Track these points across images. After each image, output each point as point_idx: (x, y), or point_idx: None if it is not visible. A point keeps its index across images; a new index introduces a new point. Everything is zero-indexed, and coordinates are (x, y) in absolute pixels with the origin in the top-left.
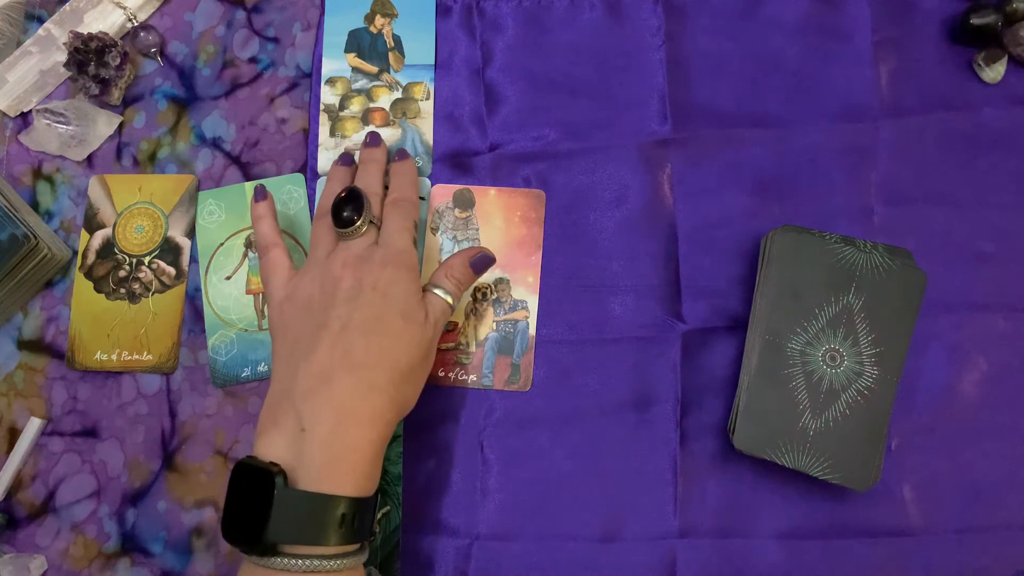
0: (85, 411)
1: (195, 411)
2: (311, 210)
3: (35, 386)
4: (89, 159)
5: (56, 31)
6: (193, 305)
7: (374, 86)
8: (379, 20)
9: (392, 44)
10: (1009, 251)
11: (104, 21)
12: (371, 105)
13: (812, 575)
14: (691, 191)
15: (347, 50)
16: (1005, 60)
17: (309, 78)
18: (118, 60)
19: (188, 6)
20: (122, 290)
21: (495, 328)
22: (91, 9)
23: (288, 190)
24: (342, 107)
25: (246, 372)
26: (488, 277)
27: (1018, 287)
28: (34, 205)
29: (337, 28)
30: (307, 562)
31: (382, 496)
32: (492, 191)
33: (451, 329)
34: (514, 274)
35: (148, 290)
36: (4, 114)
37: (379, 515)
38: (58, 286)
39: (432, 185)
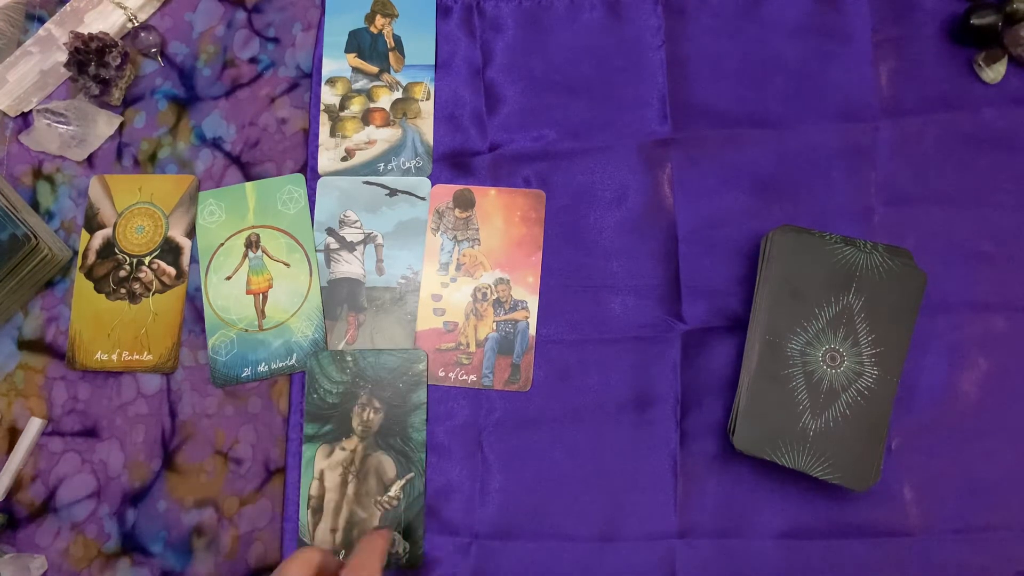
0: (85, 411)
1: (195, 411)
2: (311, 210)
3: (35, 386)
4: (89, 159)
5: (56, 31)
6: (193, 305)
7: (374, 86)
8: (379, 20)
9: (392, 44)
10: (1009, 251)
11: (104, 21)
12: (371, 105)
13: (812, 575)
14: (691, 191)
15: (347, 50)
16: (1005, 60)
17: (309, 78)
18: (118, 60)
19: (188, 6)
20: (122, 290)
21: (495, 328)
22: (91, 9)
23: (288, 190)
24: (342, 107)
25: (246, 372)
26: (488, 277)
27: (1018, 287)
28: (34, 205)
29: (337, 28)
30: None
31: (406, 462)
32: (492, 191)
33: (451, 329)
34: (514, 274)
35: (148, 290)
36: (4, 114)
37: (403, 481)
38: (58, 286)
39: (432, 185)
